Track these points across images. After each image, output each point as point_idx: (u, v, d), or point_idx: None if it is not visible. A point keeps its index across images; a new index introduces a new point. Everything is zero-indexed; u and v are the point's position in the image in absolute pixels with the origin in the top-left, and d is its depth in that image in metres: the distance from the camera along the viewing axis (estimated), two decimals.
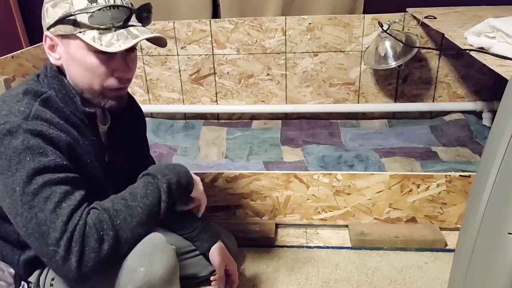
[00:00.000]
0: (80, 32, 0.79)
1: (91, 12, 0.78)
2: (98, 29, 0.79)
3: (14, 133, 0.75)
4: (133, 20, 0.84)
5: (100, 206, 0.79)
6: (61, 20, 0.80)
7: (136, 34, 0.80)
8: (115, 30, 0.80)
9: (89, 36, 0.79)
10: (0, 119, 0.77)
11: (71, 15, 0.78)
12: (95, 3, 0.79)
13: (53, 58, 0.86)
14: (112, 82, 0.84)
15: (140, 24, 0.85)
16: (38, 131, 0.77)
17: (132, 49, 0.85)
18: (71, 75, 0.85)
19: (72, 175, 0.79)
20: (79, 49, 0.81)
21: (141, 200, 0.83)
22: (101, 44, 0.78)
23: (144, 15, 0.86)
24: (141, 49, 2.14)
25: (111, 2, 0.80)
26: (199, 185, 0.99)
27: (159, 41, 0.87)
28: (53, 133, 0.79)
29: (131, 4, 0.85)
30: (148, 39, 0.85)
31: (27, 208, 0.74)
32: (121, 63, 0.83)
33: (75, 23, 0.79)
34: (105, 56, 0.81)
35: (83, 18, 0.78)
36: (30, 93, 0.82)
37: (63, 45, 0.83)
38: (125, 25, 0.81)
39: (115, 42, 0.78)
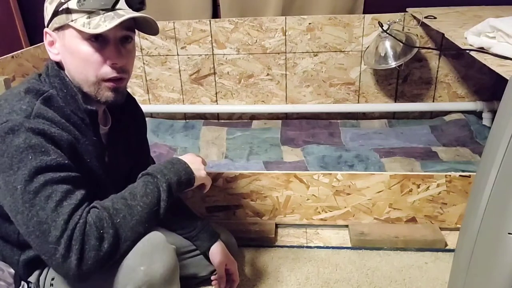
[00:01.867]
0: (72, 21, 0.82)
1: None
2: (87, 12, 0.81)
3: (16, 131, 0.76)
4: (123, 6, 0.85)
5: (100, 205, 0.80)
6: (56, 13, 0.83)
7: (122, 15, 0.82)
8: (103, 14, 0.82)
9: (80, 22, 0.81)
10: (2, 117, 0.77)
11: (63, 3, 0.81)
12: None
13: (52, 54, 0.88)
14: (106, 70, 0.85)
15: (130, 10, 0.86)
16: (40, 130, 0.77)
17: (127, 40, 0.87)
18: (69, 69, 0.86)
19: (73, 174, 0.79)
20: (73, 39, 0.83)
21: (141, 199, 0.83)
22: (89, 28, 0.80)
23: (136, 2, 0.87)
24: (141, 49, 2.14)
25: None
26: (200, 172, 0.96)
27: (149, 26, 0.88)
28: (55, 131, 0.79)
29: None
30: (139, 27, 0.87)
31: (28, 206, 0.74)
32: (113, 50, 0.84)
33: (68, 11, 0.82)
34: (98, 44, 0.83)
35: (73, 5, 0.81)
36: (31, 91, 0.83)
37: (60, 38, 0.85)
38: (113, 9, 0.83)
39: (102, 23, 0.80)
